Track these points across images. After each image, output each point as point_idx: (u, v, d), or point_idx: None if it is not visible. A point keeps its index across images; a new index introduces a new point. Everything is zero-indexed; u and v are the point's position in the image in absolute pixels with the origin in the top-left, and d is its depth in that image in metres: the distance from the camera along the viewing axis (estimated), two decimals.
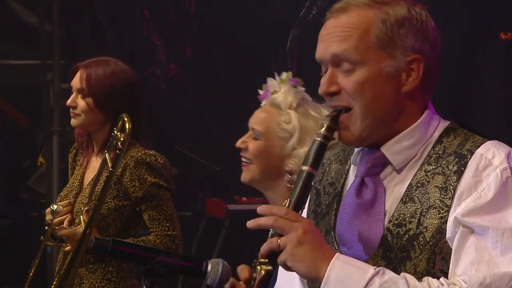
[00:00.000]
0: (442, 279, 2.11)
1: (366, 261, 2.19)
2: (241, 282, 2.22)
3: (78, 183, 4.02)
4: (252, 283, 2.17)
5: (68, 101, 3.99)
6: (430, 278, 2.12)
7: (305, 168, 2.20)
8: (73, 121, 3.98)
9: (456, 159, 2.19)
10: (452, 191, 2.16)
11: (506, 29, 9.00)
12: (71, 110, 4.00)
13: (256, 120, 3.33)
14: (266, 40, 9.27)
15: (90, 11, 9.06)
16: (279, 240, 2.12)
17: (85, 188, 3.96)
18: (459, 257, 2.13)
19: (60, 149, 8.19)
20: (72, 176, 4.11)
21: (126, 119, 3.82)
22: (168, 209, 3.91)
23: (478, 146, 2.20)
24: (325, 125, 2.22)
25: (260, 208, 2.19)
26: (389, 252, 2.19)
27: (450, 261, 2.14)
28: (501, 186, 2.14)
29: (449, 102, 7.55)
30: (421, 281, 2.12)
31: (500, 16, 8.95)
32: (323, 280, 2.10)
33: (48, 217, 3.88)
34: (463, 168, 2.17)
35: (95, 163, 4.02)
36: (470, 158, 2.18)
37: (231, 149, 9.35)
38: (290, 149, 3.29)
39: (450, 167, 2.19)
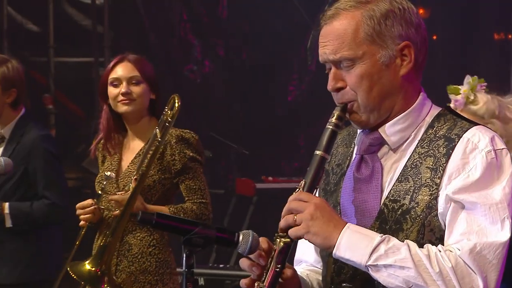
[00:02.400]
0: (439, 246, 2.10)
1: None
2: (262, 252, 2.22)
3: (116, 165, 4.00)
4: (272, 253, 2.18)
5: (123, 89, 3.88)
6: (429, 245, 2.10)
7: (318, 152, 2.20)
8: (127, 108, 3.89)
9: (446, 143, 2.18)
10: (442, 172, 2.15)
11: (499, 29, 8.93)
12: (123, 98, 3.89)
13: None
14: (289, 40, 9.26)
15: (135, 15, 9.07)
16: (295, 217, 2.13)
17: (128, 166, 3.95)
18: (452, 229, 2.12)
19: None
20: (105, 162, 4.08)
21: (176, 98, 3.84)
22: (202, 180, 3.92)
23: (465, 131, 2.18)
24: (335, 115, 2.22)
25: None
26: (385, 224, 2.18)
27: (437, 232, 2.14)
28: (486, 167, 2.12)
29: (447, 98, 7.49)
30: (422, 247, 2.12)
31: (493, 18, 8.88)
32: (335, 246, 2.10)
33: (100, 185, 3.87)
34: (451, 151, 2.16)
35: (133, 145, 4.00)
36: (457, 142, 2.17)
37: (259, 135, 9.37)
38: None
39: (440, 150, 2.18)
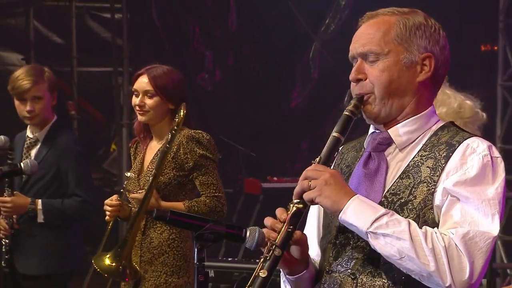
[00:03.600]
0: (435, 228, 2.12)
1: None
2: (277, 220, 2.21)
3: (139, 164, 4.04)
4: (286, 217, 2.17)
5: (137, 102, 3.98)
6: (427, 226, 2.12)
7: (335, 134, 2.22)
8: (142, 118, 3.97)
9: (447, 147, 2.20)
10: (440, 171, 2.17)
11: (486, 42, 8.93)
12: (138, 108, 3.98)
13: None
14: (293, 50, 9.26)
15: (152, 28, 9.08)
16: (310, 182, 2.14)
17: (148, 166, 3.99)
18: (446, 218, 2.14)
19: (128, 138, 8.22)
20: (135, 161, 4.14)
21: (182, 107, 3.88)
22: (214, 175, 3.92)
23: (466, 139, 2.21)
24: (352, 103, 2.25)
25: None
26: None
27: (430, 224, 2.14)
28: (482, 167, 2.15)
29: None
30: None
31: (481, 31, 8.87)
32: (342, 210, 2.12)
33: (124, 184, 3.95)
34: (451, 154, 2.18)
35: (154, 146, 4.04)
36: (458, 146, 2.19)
37: (265, 138, 9.37)
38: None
39: (440, 153, 2.20)
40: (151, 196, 3.79)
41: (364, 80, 2.25)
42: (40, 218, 4.26)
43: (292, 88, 9.44)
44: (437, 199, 2.16)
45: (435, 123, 2.30)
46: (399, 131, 2.27)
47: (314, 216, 2.41)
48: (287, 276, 2.31)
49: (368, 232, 2.09)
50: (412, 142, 2.26)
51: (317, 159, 2.21)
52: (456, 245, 2.07)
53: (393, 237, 2.07)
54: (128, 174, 3.95)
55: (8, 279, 4.25)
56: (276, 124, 9.22)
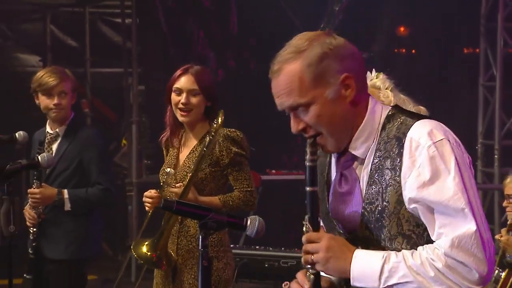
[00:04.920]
0: (427, 247, 2.06)
1: (356, 233, 2.18)
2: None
3: (175, 159, 3.96)
4: (309, 284, 2.17)
5: (183, 100, 3.82)
6: (419, 250, 2.06)
7: (308, 188, 2.15)
8: (185, 117, 3.84)
9: (396, 142, 2.12)
10: (399, 170, 2.09)
11: (468, 45, 8.92)
12: (183, 107, 3.83)
13: None
14: None
15: (159, 32, 9.07)
16: (312, 258, 2.12)
17: (184, 161, 3.92)
18: (430, 226, 2.07)
19: (137, 134, 8.23)
20: (168, 156, 4.08)
21: (221, 114, 3.81)
22: (247, 171, 3.88)
23: (409, 129, 2.11)
24: (308, 152, 2.16)
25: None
26: (369, 224, 2.15)
27: (413, 221, 2.09)
28: (431, 162, 2.05)
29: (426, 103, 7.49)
30: (408, 242, 2.09)
31: (463, 35, 8.86)
32: (351, 278, 2.09)
33: (163, 178, 3.90)
34: (402, 150, 2.09)
35: (190, 142, 3.96)
36: (404, 141, 2.10)
37: (264, 134, 9.36)
38: None
39: (394, 150, 2.11)
40: (189, 192, 3.74)
41: (308, 127, 2.17)
42: (67, 207, 4.28)
43: None
44: (409, 206, 2.08)
45: (381, 114, 2.20)
46: (356, 145, 2.18)
47: None
48: None
49: None
50: (370, 146, 2.18)
51: (306, 218, 2.15)
52: (451, 257, 2.01)
53: (401, 285, 2.04)
54: (168, 170, 3.86)
55: (33, 265, 4.25)
56: (274, 121, 9.21)
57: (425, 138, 2.08)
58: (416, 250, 2.07)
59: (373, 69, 3.31)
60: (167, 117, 3.99)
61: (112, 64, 9.22)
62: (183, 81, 3.86)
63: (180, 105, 3.84)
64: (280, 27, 9.03)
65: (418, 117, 2.17)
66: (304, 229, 2.17)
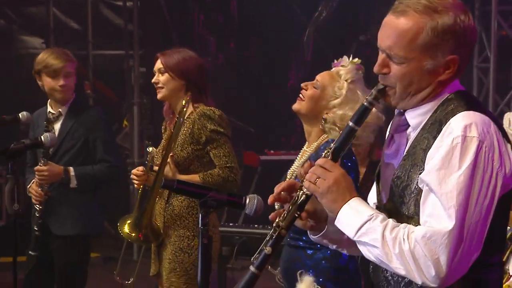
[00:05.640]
0: (409, 226, 1.99)
1: (384, 203, 2.13)
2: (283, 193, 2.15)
3: (165, 141, 4.03)
4: (294, 199, 2.10)
5: (153, 80, 3.97)
6: (401, 227, 2.00)
7: (350, 124, 2.09)
8: (158, 95, 3.97)
9: (437, 126, 2.02)
10: (427, 152, 2.01)
11: None
12: (155, 86, 3.97)
13: (322, 76, 3.29)
14: (289, 35, 9.21)
15: (160, 15, 9.03)
16: (317, 180, 2.06)
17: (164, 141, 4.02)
18: (423, 209, 2.00)
19: (139, 115, 8.22)
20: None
21: (186, 98, 3.86)
22: (226, 148, 3.88)
23: (453, 116, 2.01)
24: (373, 94, 2.09)
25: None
26: (393, 197, 2.10)
27: None
28: (448, 151, 1.95)
29: None
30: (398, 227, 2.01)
31: None
32: (336, 218, 2.06)
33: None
34: (437, 134, 2.01)
35: (172, 123, 4.03)
36: (443, 126, 2.00)
37: (262, 116, 9.33)
38: (331, 106, 3.27)
39: (432, 132, 2.03)
40: (163, 173, 3.78)
41: (388, 74, 2.07)
42: (73, 184, 4.28)
43: (288, 69, 9.41)
44: (419, 184, 2.02)
45: (447, 95, 2.08)
46: (413, 114, 2.10)
47: None
48: (317, 238, 2.22)
49: (355, 240, 2.04)
50: (422, 123, 2.09)
51: (331, 146, 2.10)
52: (419, 245, 1.94)
53: (370, 245, 2.00)
54: (150, 149, 3.95)
55: (38, 242, 4.25)
56: (272, 103, 9.20)
57: (459, 128, 1.97)
58: (401, 224, 2.02)
59: (348, 57, 3.34)
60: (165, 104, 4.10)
61: (114, 47, 9.19)
62: (156, 63, 3.99)
63: (155, 85, 3.97)
64: (279, 11, 9.01)
65: (471, 107, 2.03)
66: (323, 154, 2.11)
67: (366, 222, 2.01)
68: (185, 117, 3.89)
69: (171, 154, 3.83)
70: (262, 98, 9.28)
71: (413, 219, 2.04)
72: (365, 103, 2.10)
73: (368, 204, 2.14)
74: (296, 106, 3.38)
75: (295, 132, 9.11)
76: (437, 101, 2.08)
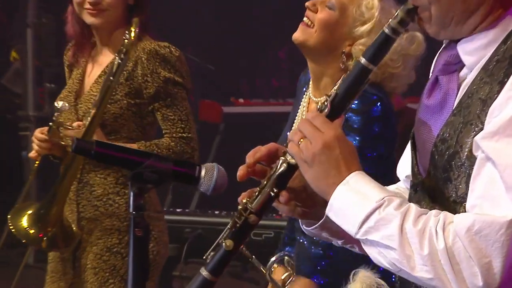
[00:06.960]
0: (443, 214, 2.00)
1: (423, 178, 2.16)
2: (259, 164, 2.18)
3: (77, 84, 4.02)
4: (270, 172, 2.13)
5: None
6: (434, 215, 1.99)
7: (363, 60, 2.12)
8: (94, 20, 3.88)
9: (507, 65, 2.02)
10: (490, 104, 2.00)
11: None
12: (91, 7, 3.89)
13: None
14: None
15: None
16: (301, 141, 2.07)
17: (90, 88, 3.97)
18: (473, 188, 2.00)
19: (35, 44, 8.18)
20: (70, 79, 4.10)
21: (135, 22, 3.85)
22: (183, 108, 3.89)
23: None
24: (398, 17, 2.10)
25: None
26: (436, 171, 2.11)
27: None
28: None
29: None
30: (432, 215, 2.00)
31: None
32: (327, 207, 2.06)
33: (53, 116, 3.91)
34: (506, 79, 2.00)
35: (102, 60, 4.02)
36: None
37: (229, 48, 9.37)
38: (357, 34, 3.27)
39: (499, 74, 2.03)
40: (93, 134, 3.78)
41: None
42: None
43: None
44: (474, 150, 2.01)
45: None
46: (468, 47, 2.12)
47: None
48: (313, 230, 2.25)
49: (359, 239, 2.03)
50: (481, 60, 2.11)
51: (331, 92, 2.12)
52: (461, 241, 1.94)
53: (382, 246, 2.00)
54: (60, 103, 3.89)
55: None
56: (245, 24, 9.21)
57: None
58: (432, 211, 2.02)
59: None
60: (68, 23, 4.04)
61: None
62: None
63: (87, 4, 3.90)
64: None
65: None
66: (319, 105, 2.13)
67: (375, 211, 2.00)
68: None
69: (93, 109, 3.82)
70: (228, 17, 9.29)
71: (463, 204, 2.05)
72: (386, 30, 2.10)
73: (377, 182, 2.09)
74: (299, 36, 3.35)
75: (278, 71, 9.16)
76: (502, 28, 2.10)
